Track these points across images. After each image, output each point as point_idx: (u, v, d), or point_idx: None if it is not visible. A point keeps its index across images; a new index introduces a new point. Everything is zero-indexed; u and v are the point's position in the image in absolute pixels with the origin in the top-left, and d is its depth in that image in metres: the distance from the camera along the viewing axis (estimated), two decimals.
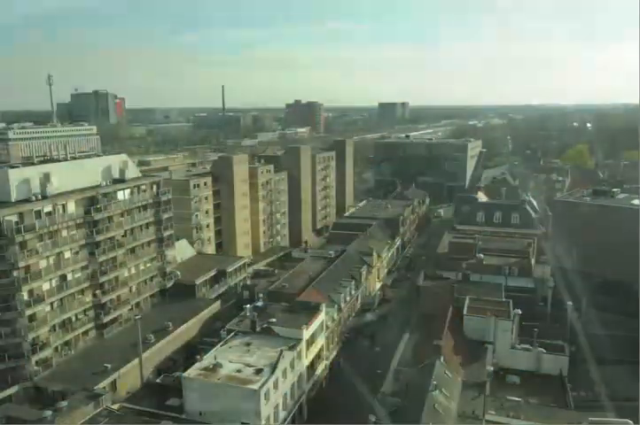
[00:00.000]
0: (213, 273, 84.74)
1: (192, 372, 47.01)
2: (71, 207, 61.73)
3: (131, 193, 71.09)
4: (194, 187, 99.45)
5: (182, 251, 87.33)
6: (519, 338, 56.04)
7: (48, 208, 58.98)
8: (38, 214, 57.80)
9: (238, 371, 46.89)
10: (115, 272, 67.15)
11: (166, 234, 76.95)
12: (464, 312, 57.69)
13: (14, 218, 55.02)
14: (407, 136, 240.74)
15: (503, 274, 78.47)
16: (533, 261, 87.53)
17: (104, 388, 54.85)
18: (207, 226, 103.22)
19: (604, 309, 77.29)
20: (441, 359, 47.25)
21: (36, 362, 56.88)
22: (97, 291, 65.07)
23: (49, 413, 49.60)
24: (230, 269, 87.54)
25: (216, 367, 47.37)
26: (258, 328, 54.73)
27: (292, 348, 51.30)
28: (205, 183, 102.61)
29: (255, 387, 44.42)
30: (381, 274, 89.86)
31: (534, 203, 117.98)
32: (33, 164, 66.31)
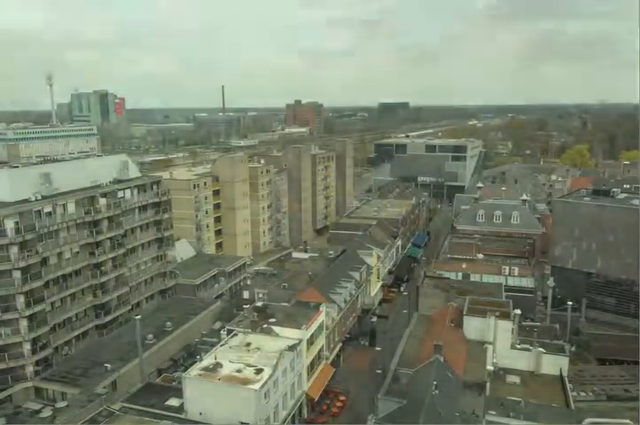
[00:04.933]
0: (213, 273, 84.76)
1: (192, 372, 46.97)
2: (71, 207, 61.67)
3: (131, 193, 71.04)
4: (194, 187, 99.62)
5: (182, 251, 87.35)
6: (518, 338, 55.99)
7: (48, 208, 58.92)
8: (38, 214, 57.79)
9: (239, 371, 46.87)
10: (115, 272, 67.11)
11: (166, 234, 76.89)
12: (464, 312, 57.61)
13: (15, 218, 55.02)
14: (407, 136, 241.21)
15: (503, 274, 78.57)
16: (533, 261, 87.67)
17: (104, 388, 54.97)
18: (207, 226, 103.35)
19: (604, 309, 77.49)
20: (441, 359, 47.23)
21: (36, 362, 56.84)
22: (98, 291, 65.06)
23: (49, 413, 49.83)
24: (230, 269, 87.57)
25: (216, 367, 47.37)
26: (258, 329, 54.72)
27: (292, 348, 51.29)
28: (205, 183, 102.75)
29: (255, 387, 44.40)
30: (381, 274, 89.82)
31: (534, 203, 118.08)
32: (33, 164, 66.31)
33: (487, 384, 47.41)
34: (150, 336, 64.95)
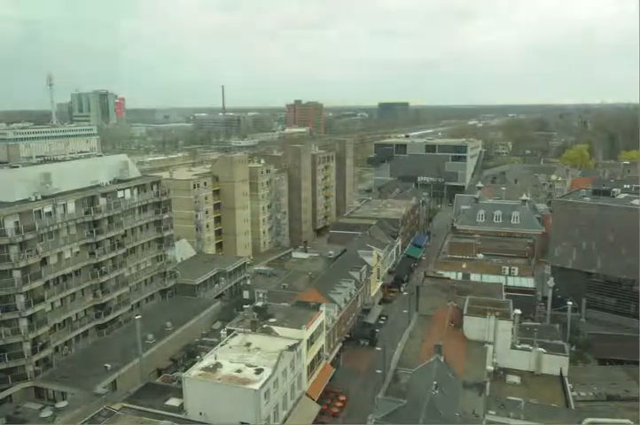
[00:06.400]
0: (213, 273, 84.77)
1: (193, 372, 46.96)
2: (71, 207, 61.67)
3: (131, 193, 71.07)
4: (194, 187, 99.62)
5: (182, 251, 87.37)
6: (518, 338, 56.00)
7: (48, 208, 58.91)
8: (38, 214, 57.77)
9: (239, 371, 46.86)
10: (115, 272, 67.10)
11: (166, 234, 76.92)
12: (464, 312, 57.65)
13: (15, 218, 55.00)
14: (407, 136, 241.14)
15: (503, 274, 78.56)
16: (533, 261, 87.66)
17: (104, 388, 55.00)
18: (207, 226, 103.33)
19: (604, 309, 77.45)
20: (441, 359, 47.25)
21: (36, 362, 56.82)
22: (98, 291, 65.07)
23: (49, 413, 49.90)
24: (230, 269, 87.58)
25: (216, 367, 47.37)
26: (258, 329, 54.72)
27: (292, 348, 51.28)
28: (205, 183, 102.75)
29: (255, 387, 44.39)
30: (381, 274, 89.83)
31: (534, 203, 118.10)
32: (33, 164, 66.30)
33: (487, 384, 47.44)
34: (150, 335, 64.96)
